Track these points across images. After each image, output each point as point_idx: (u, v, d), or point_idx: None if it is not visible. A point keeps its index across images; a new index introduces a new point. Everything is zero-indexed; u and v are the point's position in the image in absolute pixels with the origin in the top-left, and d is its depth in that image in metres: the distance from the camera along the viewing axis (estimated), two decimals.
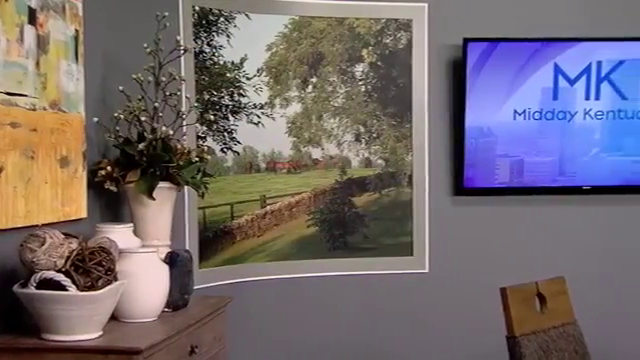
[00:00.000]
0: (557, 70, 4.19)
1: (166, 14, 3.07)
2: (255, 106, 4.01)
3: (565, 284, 3.07)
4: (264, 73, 4.03)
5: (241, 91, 3.96)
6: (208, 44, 3.81)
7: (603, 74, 4.21)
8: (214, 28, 3.82)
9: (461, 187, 4.21)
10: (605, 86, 4.22)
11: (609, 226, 4.33)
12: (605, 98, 4.22)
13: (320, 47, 4.13)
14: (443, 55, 4.21)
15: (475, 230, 4.28)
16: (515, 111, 4.20)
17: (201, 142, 3.75)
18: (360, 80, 4.20)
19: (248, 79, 3.98)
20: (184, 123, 3.15)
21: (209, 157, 3.21)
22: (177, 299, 2.88)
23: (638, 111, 4.24)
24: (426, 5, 4.18)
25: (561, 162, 4.27)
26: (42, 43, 2.65)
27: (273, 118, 4.07)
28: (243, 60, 3.96)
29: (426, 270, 4.24)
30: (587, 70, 4.20)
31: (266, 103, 4.05)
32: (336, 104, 4.19)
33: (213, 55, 3.83)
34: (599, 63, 4.20)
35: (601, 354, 3.30)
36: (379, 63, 4.20)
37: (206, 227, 3.82)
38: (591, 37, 4.20)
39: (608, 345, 3.91)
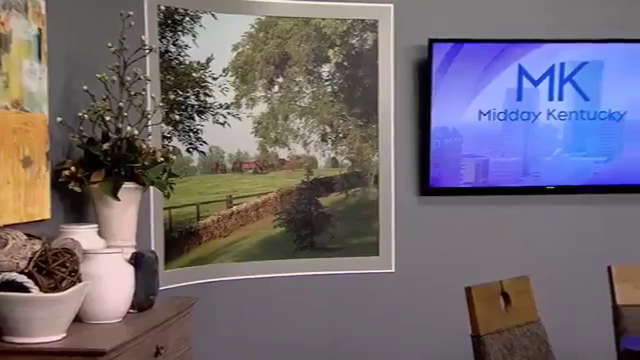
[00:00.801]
0: (521, 71, 4.23)
1: (131, 13, 3.04)
2: (221, 106, 4.00)
3: (529, 283, 3.10)
4: (230, 73, 4.02)
5: (207, 91, 3.95)
6: (174, 44, 3.79)
7: (566, 75, 4.26)
8: (180, 28, 3.80)
9: (427, 187, 4.24)
10: (568, 87, 4.27)
11: (572, 226, 4.39)
12: (568, 99, 4.28)
13: (286, 47, 4.13)
14: (409, 56, 4.23)
15: (441, 230, 4.31)
16: (480, 111, 4.23)
17: (167, 142, 3.73)
18: (326, 80, 4.21)
19: (214, 79, 3.97)
20: (149, 123, 3.12)
21: (175, 157, 3.19)
22: (142, 300, 2.86)
23: (600, 112, 4.30)
24: (392, 6, 4.20)
25: (525, 162, 4.31)
26: (4, 42, 2.62)
27: (239, 118, 4.06)
28: (209, 60, 3.94)
29: (392, 270, 4.26)
30: (550, 71, 4.25)
31: (232, 103, 4.04)
32: (302, 104, 4.19)
33: (179, 55, 3.81)
34: (562, 64, 4.25)
35: (564, 352, 3.33)
36: (345, 63, 4.21)
37: (172, 227, 3.80)
38: (554, 39, 4.25)
39: (571, 343, 3.96)
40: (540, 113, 4.28)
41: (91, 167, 2.96)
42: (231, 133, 4.03)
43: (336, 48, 4.19)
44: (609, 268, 3.39)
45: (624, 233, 4.38)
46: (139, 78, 3.06)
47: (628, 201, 4.42)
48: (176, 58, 3.80)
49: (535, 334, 3.03)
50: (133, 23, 3.05)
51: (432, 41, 4.12)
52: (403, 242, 4.26)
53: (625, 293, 3.33)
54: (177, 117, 3.75)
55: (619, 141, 4.34)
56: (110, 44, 3.00)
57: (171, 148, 3.59)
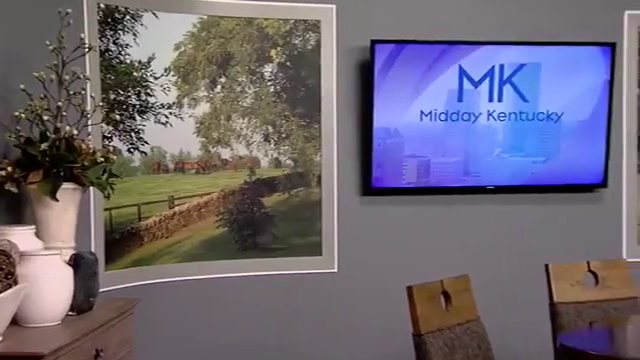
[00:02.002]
0: (462, 72, 4.28)
1: (69, 11, 3.00)
2: (163, 106, 3.96)
3: (469, 282, 3.14)
4: (172, 72, 3.99)
5: (148, 90, 3.91)
6: (114, 42, 3.74)
7: (505, 77, 4.33)
8: (120, 26, 3.76)
9: (369, 187, 4.27)
10: (507, 88, 4.34)
11: (511, 225, 4.46)
12: (507, 100, 4.35)
13: (229, 47, 4.12)
14: (351, 56, 4.25)
15: (383, 230, 4.34)
16: (422, 112, 4.27)
17: (107, 142, 3.68)
18: (269, 80, 4.20)
19: (156, 78, 3.93)
20: (89, 123, 3.08)
21: (115, 157, 3.15)
22: (82, 302, 2.82)
23: (538, 113, 4.37)
24: (334, 7, 4.21)
25: (466, 162, 4.37)
26: None
27: (181, 118, 4.03)
28: (150, 59, 3.90)
29: (335, 270, 4.28)
30: (490, 73, 4.31)
31: (174, 103, 4.00)
32: (245, 104, 4.18)
33: (119, 54, 3.77)
34: (501, 66, 4.31)
35: (503, 349, 3.39)
36: (288, 64, 4.21)
37: (112, 228, 3.76)
38: (494, 40, 4.31)
39: (510, 340, 4.02)
40: (480, 114, 4.34)
41: (29, 167, 2.91)
42: (173, 133, 4.00)
43: (279, 48, 4.19)
44: (546, 266, 3.46)
45: (561, 232, 4.48)
46: (78, 77, 3.02)
47: (565, 201, 4.51)
48: (117, 57, 3.76)
49: (475, 332, 3.07)
50: (72, 21, 3.01)
51: (374, 42, 4.14)
52: (346, 242, 4.28)
53: (562, 291, 3.40)
54: (118, 117, 3.71)
55: (556, 142, 4.43)
56: (48, 42, 2.95)
57: (112, 148, 3.54)
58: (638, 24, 4.54)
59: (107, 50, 3.70)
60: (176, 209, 4.05)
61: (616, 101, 4.46)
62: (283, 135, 4.23)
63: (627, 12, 4.52)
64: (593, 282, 3.51)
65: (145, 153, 3.92)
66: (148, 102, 3.91)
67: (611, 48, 4.37)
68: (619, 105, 4.51)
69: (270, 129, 4.22)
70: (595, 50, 4.38)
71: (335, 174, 4.26)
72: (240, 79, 4.15)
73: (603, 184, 4.48)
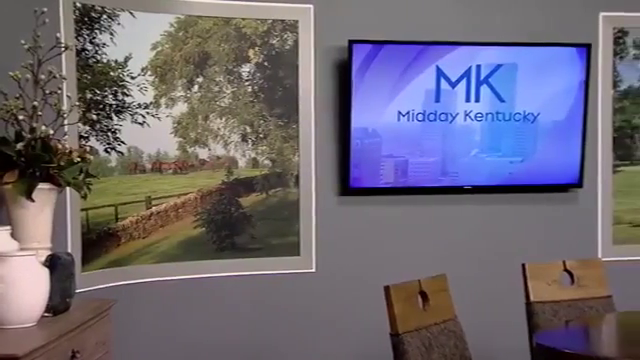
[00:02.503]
0: (439, 73, 4.30)
1: (45, 10, 2.97)
2: (140, 106, 3.95)
3: (446, 281, 3.15)
4: (149, 72, 3.97)
5: (125, 90, 3.89)
6: (91, 42, 3.71)
7: (482, 77, 4.35)
8: (97, 25, 3.73)
9: (347, 187, 4.27)
10: (484, 89, 4.36)
11: (488, 225, 4.48)
12: (484, 100, 4.37)
13: (206, 47, 4.11)
14: (329, 56, 4.25)
15: (361, 229, 4.35)
16: (399, 112, 4.28)
17: (84, 142, 3.66)
18: (247, 80, 4.19)
19: (133, 78, 3.91)
20: (65, 122, 3.06)
21: (92, 157, 3.13)
22: (58, 303, 2.80)
23: (515, 113, 4.40)
24: (312, 7, 4.21)
25: (444, 162, 4.39)
26: None
27: (159, 118, 4.01)
28: (127, 59, 3.89)
29: (313, 270, 4.28)
30: (467, 73, 4.33)
31: (151, 103, 3.99)
32: (223, 104, 4.17)
33: (96, 53, 3.74)
34: (478, 67, 4.34)
35: (480, 348, 3.41)
36: (266, 64, 4.21)
37: (89, 229, 3.73)
38: (470, 41, 4.34)
39: (487, 339, 4.04)
40: (458, 114, 4.36)
41: (4, 167, 2.89)
42: (150, 133, 3.98)
43: (256, 48, 4.18)
44: (523, 266, 3.48)
45: (537, 232, 4.51)
46: (54, 76, 3.00)
47: (541, 200, 4.55)
48: (93, 57, 3.73)
49: (452, 332, 3.09)
50: (47, 20, 2.98)
51: (352, 42, 4.15)
52: (324, 242, 4.28)
53: (538, 290, 3.42)
54: (94, 117, 3.69)
55: (533, 142, 4.45)
56: (23, 41, 2.92)
57: (88, 148, 3.51)
58: (613, 25, 4.59)
59: (83, 49, 3.68)
60: (153, 209, 4.04)
61: (591, 102, 4.50)
62: (261, 135, 4.23)
63: (602, 13, 4.56)
64: (569, 281, 3.53)
65: (122, 153, 3.90)
66: (125, 102, 3.89)
67: (586, 49, 4.41)
68: (594, 106, 4.55)
69: (248, 129, 4.22)
70: (571, 51, 4.42)
71: (313, 174, 4.26)
72: (218, 79, 4.14)
73: (579, 184, 4.52)
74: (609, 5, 4.56)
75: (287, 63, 4.22)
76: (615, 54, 4.60)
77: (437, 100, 4.32)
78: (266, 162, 4.24)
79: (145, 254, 4.00)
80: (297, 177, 4.26)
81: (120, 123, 3.87)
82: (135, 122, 3.93)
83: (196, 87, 4.11)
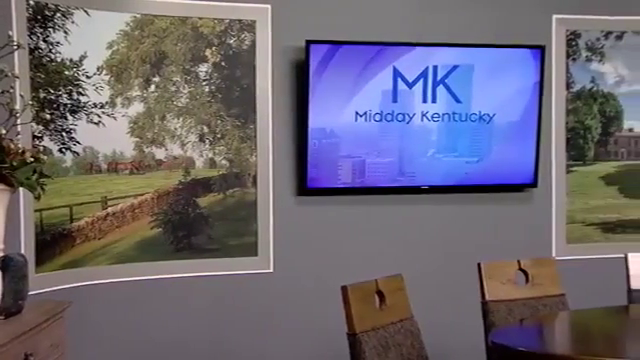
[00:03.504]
0: (396, 73, 4.32)
1: None
2: (95, 105, 3.91)
3: (403, 281, 3.17)
4: (105, 71, 3.94)
5: (80, 90, 3.85)
6: (44, 40, 3.67)
7: (439, 78, 4.38)
8: (50, 24, 3.69)
9: (305, 187, 4.27)
10: (441, 89, 4.39)
11: (445, 224, 4.52)
12: (441, 101, 4.40)
13: (163, 46, 4.08)
14: (287, 56, 4.25)
15: (319, 230, 4.35)
16: (357, 113, 4.30)
17: (37, 142, 3.61)
18: (204, 80, 4.18)
19: (88, 77, 3.87)
20: (18, 122, 3.01)
21: (46, 157, 3.09)
22: (10, 305, 2.76)
23: (471, 114, 4.44)
24: (269, 7, 4.21)
25: (401, 163, 4.41)
26: None
27: (114, 118, 3.98)
28: (82, 58, 3.85)
29: (271, 270, 4.27)
30: (424, 74, 4.36)
31: (107, 102, 3.95)
32: (180, 104, 4.14)
33: (50, 52, 3.70)
34: (435, 67, 4.37)
35: (437, 347, 3.43)
36: (223, 63, 4.19)
37: (43, 230, 3.68)
38: (427, 42, 4.36)
39: (443, 338, 4.07)
40: (414, 115, 4.38)
41: None
42: (106, 133, 3.95)
43: (213, 48, 4.17)
44: (478, 265, 3.51)
45: (493, 231, 4.55)
46: (6, 75, 2.95)
47: (497, 200, 4.59)
48: (47, 55, 3.69)
49: (409, 331, 3.10)
50: None
51: (309, 42, 4.15)
52: (281, 242, 4.28)
53: (493, 289, 3.45)
54: (48, 116, 3.64)
55: (489, 142, 4.50)
56: None
57: (42, 148, 3.48)
58: (566, 27, 4.65)
59: (37, 48, 3.63)
60: (109, 210, 4.00)
61: (545, 103, 4.56)
62: (218, 135, 4.21)
63: (555, 16, 4.63)
64: (523, 280, 3.57)
65: (77, 153, 3.86)
66: (80, 101, 3.85)
67: (540, 51, 4.47)
68: (548, 106, 4.61)
69: (205, 129, 4.20)
70: (525, 52, 4.47)
71: (271, 174, 4.26)
72: (174, 79, 4.11)
73: (533, 184, 4.58)
74: (562, 8, 4.63)
75: (244, 63, 4.21)
76: (568, 56, 4.67)
77: (394, 100, 4.34)
78: (224, 162, 4.23)
79: (101, 255, 3.96)
80: (255, 177, 4.25)
81: (75, 123, 3.83)
82: (90, 122, 3.89)
83: (153, 87, 4.08)
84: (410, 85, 4.35)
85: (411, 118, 4.38)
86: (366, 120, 4.31)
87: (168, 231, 4.13)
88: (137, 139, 4.06)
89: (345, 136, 4.29)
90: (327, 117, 4.25)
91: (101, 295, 3.91)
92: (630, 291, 3.69)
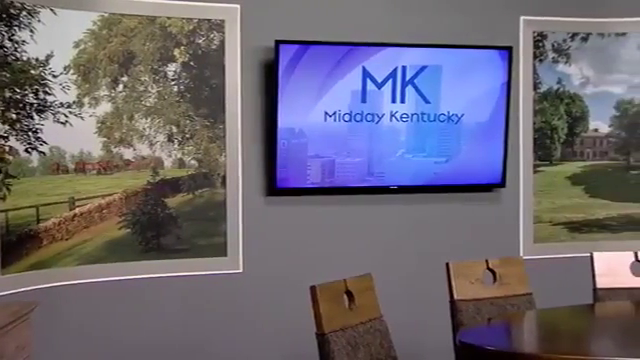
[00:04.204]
0: (365, 74, 4.33)
1: None
2: (62, 105, 3.87)
3: (372, 281, 3.18)
4: (72, 71, 3.90)
5: (47, 89, 3.81)
6: (9, 39, 3.63)
7: (408, 78, 4.40)
8: (16, 22, 3.65)
9: (274, 187, 4.27)
10: (410, 90, 4.41)
11: (414, 224, 4.54)
12: (410, 101, 4.42)
13: (131, 46, 4.05)
14: (256, 56, 4.24)
15: (288, 230, 4.35)
16: (326, 113, 4.30)
17: (3, 142, 3.57)
18: (172, 80, 4.15)
19: (54, 77, 3.84)
20: None
21: (11, 158, 3.07)
22: None
23: (439, 114, 4.47)
24: (238, 6, 4.20)
25: (370, 163, 4.42)
26: None
27: (82, 118, 3.95)
28: (49, 57, 3.81)
29: (240, 270, 4.27)
30: (393, 74, 4.38)
31: (74, 102, 3.92)
32: (148, 104, 4.12)
33: (15, 51, 3.66)
34: (404, 68, 4.38)
35: (405, 347, 3.44)
36: (192, 63, 4.18)
37: (9, 231, 3.65)
38: (396, 42, 4.38)
39: (412, 338, 4.09)
40: (384, 115, 4.40)
41: None
42: (73, 133, 3.92)
43: (182, 47, 4.15)
44: (447, 265, 3.53)
45: (462, 231, 4.58)
46: None
47: (465, 200, 4.62)
48: (12, 54, 3.65)
49: (378, 330, 3.11)
50: None
51: (278, 42, 4.15)
52: (251, 242, 4.27)
53: (461, 288, 3.47)
54: (14, 116, 3.60)
55: (457, 142, 4.53)
56: None
57: (7, 148, 3.44)
58: (533, 29, 4.70)
59: (2, 47, 3.59)
60: (77, 210, 3.97)
61: (513, 103, 4.59)
62: (187, 135, 4.19)
63: (522, 17, 4.67)
64: (491, 280, 3.60)
65: (44, 153, 3.82)
66: (47, 101, 3.81)
67: (508, 52, 4.51)
68: (516, 107, 4.65)
69: (174, 129, 4.18)
70: (493, 53, 4.50)
71: (240, 174, 4.25)
72: (143, 78, 4.09)
73: (501, 184, 4.61)
74: (529, 9, 4.67)
75: (213, 63, 4.20)
76: (535, 57, 4.72)
77: (363, 101, 4.35)
78: (192, 162, 4.21)
79: (68, 256, 3.93)
80: (224, 177, 4.24)
81: (42, 122, 3.79)
82: (57, 122, 3.86)
83: (121, 86, 4.05)
84: (379, 85, 4.37)
85: (380, 118, 4.39)
86: (335, 120, 4.32)
87: (137, 232, 4.10)
88: (105, 139, 4.04)
89: (314, 136, 4.30)
90: (296, 117, 4.25)
91: (69, 296, 3.87)
92: (595, 290, 3.73)
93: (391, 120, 4.40)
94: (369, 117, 4.38)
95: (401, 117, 4.41)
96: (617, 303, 3.62)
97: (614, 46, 4.84)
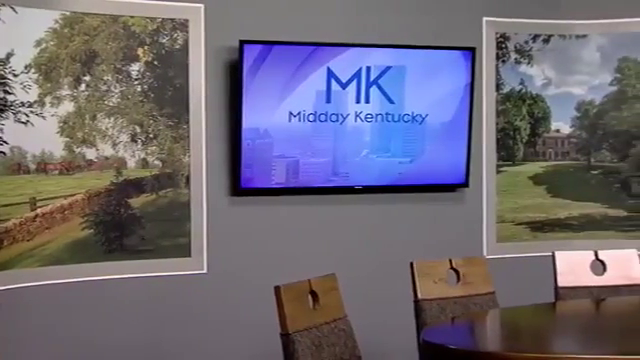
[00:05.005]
0: (330, 74, 4.34)
1: None
2: (23, 104, 3.83)
3: (336, 281, 3.18)
4: (33, 70, 3.86)
5: (7, 88, 3.77)
6: None
7: (372, 79, 4.41)
8: None
9: (238, 188, 4.26)
10: (374, 90, 4.42)
11: (379, 224, 4.56)
12: (374, 102, 4.43)
13: (94, 45, 4.01)
14: (220, 56, 4.23)
15: (253, 230, 4.34)
16: (290, 113, 4.30)
17: None
18: (136, 80, 4.13)
19: (15, 76, 3.79)
20: None
21: None
22: None
23: (404, 115, 4.49)
24: (202, 6, 4.18)
25: (335, 163, 4.43)
26: None
27: (43, 117, 3.90)
28: (9, 55, 3.77)
29: (204, 271, 4.25)
30: (357, 74, 4.39)
31: (35, 101, 3.88)
32: (111, 104, 4.08)
33: None
34: (368, 68, 4.40)
35: (370, 347, 3.45)
36: (155, 63, 4.15)
37: None
38: (360, 43, 4.39)
39: (377, 338, 4.11)
40: (348, 115, 4.41)
41: None
42: (35, 133, 3.87)
43: (145, 47, 4.12)
44: (411, 264, 3.54)
45: (426, 230, 4.61)
46: None
47: (429, 200, 4.65)
48: None
49: (342, 330, 3.11)
50: None
51: (243, 42, 4.14)
52: (215, 243, 4.25)
53: (425, 288, 3.49)
54: None
55: (422, 143, 4.55)
56: None
57: None
58: (495, 30, 4.74)
59: None
60: (38, 211, 3.93)
61: (476, 104, 4.63)
62: (151, 135, 4.17)
63: (485, 18, 4.71)
64: (455, 279, 3.62)
65: (4, 153, 3.78)
66: (7, 100, 3.77)
67: (471, 53, 4.54)
68: (479, 108, 4.69)
69: (137, 129, 4.15)
70: (456, 54, 4.53)
71: (204, 175, 4.23)
72: (106, 78, 4.05)
73: (465, 184, 4.65)
74: (492, 10, 4.72)
75: (177, 62, 4.18)
76: (498, 58, 4.76)
77: (328, 101, 4.36)
78: (156, 162, 4.18)
79: (30, 257, 3.89)
80: (188, 178, 4.22)
81: (2, 122, 3.75)
82: (18, 121, 3.81)
83: (83, 86, 4.01)
84: (344, 86, 4.38)
85: (345, 118, 4.40)
86: (300, 120, 4.32)
87: (100, 232, 4.07)
88: (67, 139, 3.99)
89: (279, 136, 4.29)
90: (261, 117, 4.24)
91: (31, 298, 3.83)
92: (557, 288, 3.77)
93: (356, 120, 4.42)
94: (334, 117, 4.38)
95: (366, 117, 4.43)
96: (578, 301, 3.67)
97: (575, 48, 4.90)
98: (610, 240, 4.80)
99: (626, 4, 4.83)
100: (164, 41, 4.15)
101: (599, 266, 3.83)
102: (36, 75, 3.86)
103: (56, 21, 3.91)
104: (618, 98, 4.91)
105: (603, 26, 4.84)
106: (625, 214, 4.92)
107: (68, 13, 3.93)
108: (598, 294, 3.75)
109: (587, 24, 4.85)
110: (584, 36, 4.89)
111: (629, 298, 3.72)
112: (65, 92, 3.96)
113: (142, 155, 4.16)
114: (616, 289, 3.77)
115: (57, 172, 3.99)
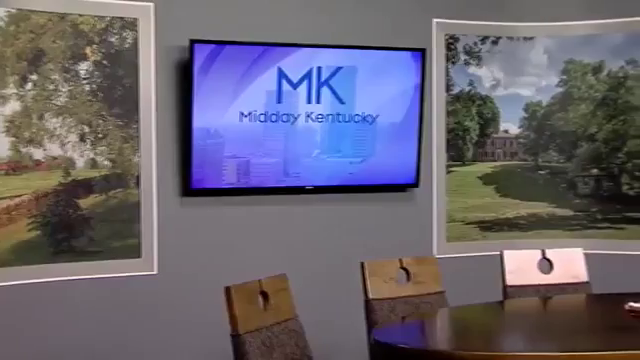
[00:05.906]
0: (281, 74, 4.34)
1: None
2: None
3: (287, 281, 3.18)
4: None
5: None
6: None
7: (323, 79, 4.42)
8: None
9: (189, 188, 4.23)
10: (325, 90, 4.44)
11: (329, 224, 4.57)
12: (325, 102, 4.45)
13: (41, 43, 3.95)
14: (170, 56, 4.20)
15: (203, 230, 4.32)
16: (241, 113, 4.29)
17: None
18: (84, 79, 4.07)
19: None
20: None
21: None
22: None
23: (354, 115, 4.51)
24: (152, 5, 4.15)
25: (286, 163, 4.43)
26: None
27: None
28: None
29: (154, 272, 4.22)
30: (308, 75, 4.40)
31: None
32: (59, 103, 4.03)
33: None
34: (319, 69, 4.41)
35: (321, 347, 3.46)
36: (104, 62, 4.10)
37: None
38: (311, 43, 4.40)
39: (328, 338, 4.11)
40: (299, 115, 4.41)
41: None
42: None
43: (94, 46, 4.07)
44: (362, 264, 3.56)
45: (377, 230, 4.64)
46: None
47: (380, 200, 4.68)
48: None
49: (293, 331, 3.11)
50: None
51: (193, 42, 4.11)
52: (166, 244, 4.22)
53: (376, 287, 3.51)
54: None
55: (372, 143, 4.58)
56: None
57: None
58: (445, 32, 4.79)
59: None
60: None
61: (426, 104, 4.67)
62: (100, 135, 4.12)
63: (435, 20, 4.75)
64: (405, 278, 3.65)
65: None
66: None
67: (421, 54, 4.58)
68: (429, 108, 4.73)
69: (86, 129, 4.10)
70: (406, 55, 4.57)
71: (154, 175, 4.20)
72: (53, 77, 4.00)
73: (415, 184, 4.68)
74: (441, 12, 4.76)
75: (127, 62, 4.13)
76: (447, 59, 4.81)
77: (279, 101, 4.36)
78: (105, 163, 4.14)
79: None
80: (138, 178, 4.18)
81: None
82: None
83: (30, 85, 3.95)
84: (294, 86, 4.38)
85: (296, 119, 4.41)
86: (251, 120, 4.31)
87: (47, 233, 4.01)
88: (13, 139, 3.93)
89: (230, 136, 4.28)
90: (211, 117, 4.22)
91: None
92: (505, 287, 3.82)
93: (307, 120, 4.42)
94: (285, 117, 4.38)
95: (316, 117, 4.44)
96: (526, 300, 3.73)
97: (523, 50, 4.98)
98: (557, 239, 4.88)
99: (572, 7, 4.91)
100: (113, 40, 4.11)
101: (546, 265, 3.89)
102: None
103: (1, 18, 3.84)
104: (564, 99, 5.00)
105: (550, 28, 4.93)
106: (572, 213, 5.01)
107: (14, 10, 3.87)
108: (545, 292, 3.81)
109: (534, 26, 4.93)
110: (531, 38, 4.97)
111: (575, 296, 3.79)
112: (11, 91, 3.89)
113: (91, 155, 4.11)
114: (562, 287, 3.84)
115: (3, 172, 3.92)
